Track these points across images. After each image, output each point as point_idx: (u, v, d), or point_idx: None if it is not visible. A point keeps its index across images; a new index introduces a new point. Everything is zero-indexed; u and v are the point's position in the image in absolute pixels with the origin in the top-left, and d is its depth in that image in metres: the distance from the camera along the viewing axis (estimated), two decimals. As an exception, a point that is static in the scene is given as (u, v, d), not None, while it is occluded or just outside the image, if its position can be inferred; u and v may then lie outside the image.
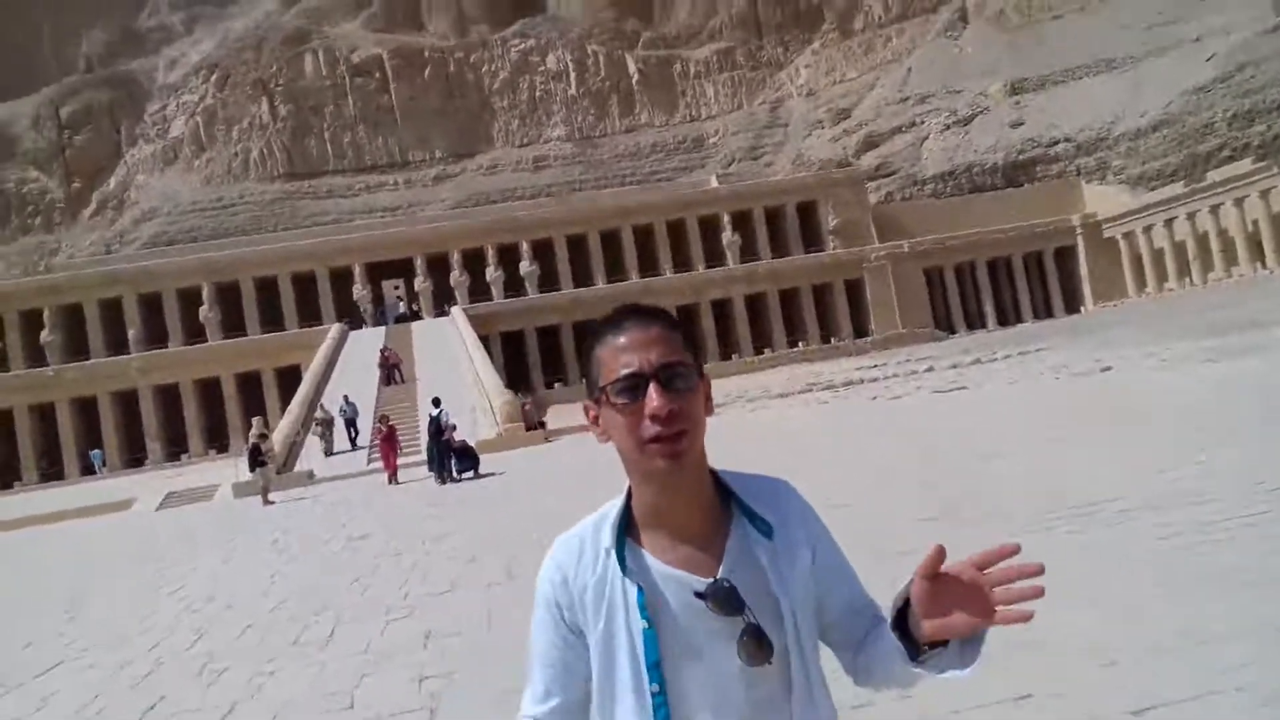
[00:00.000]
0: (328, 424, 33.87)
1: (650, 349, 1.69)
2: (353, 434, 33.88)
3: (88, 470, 52.43)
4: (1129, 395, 18.36)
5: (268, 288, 62.04)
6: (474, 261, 63.40)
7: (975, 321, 63.62)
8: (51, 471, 52.72)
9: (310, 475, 30.00)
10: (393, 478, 25.34)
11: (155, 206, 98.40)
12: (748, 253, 65.34)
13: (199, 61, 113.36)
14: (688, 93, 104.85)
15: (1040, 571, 1.55)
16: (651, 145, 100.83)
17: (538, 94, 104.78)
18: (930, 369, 35.60)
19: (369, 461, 30.71)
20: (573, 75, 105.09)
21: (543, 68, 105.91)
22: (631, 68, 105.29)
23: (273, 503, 24.62)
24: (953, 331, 61.39)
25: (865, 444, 17.25)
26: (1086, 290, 64.67)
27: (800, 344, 59.90)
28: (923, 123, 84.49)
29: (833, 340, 60.34)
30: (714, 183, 77.74)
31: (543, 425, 33.89)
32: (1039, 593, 1.58)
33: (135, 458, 53.60)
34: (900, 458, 14.50)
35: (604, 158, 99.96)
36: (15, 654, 9.81)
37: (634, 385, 1.67)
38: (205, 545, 18.00)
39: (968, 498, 10.08)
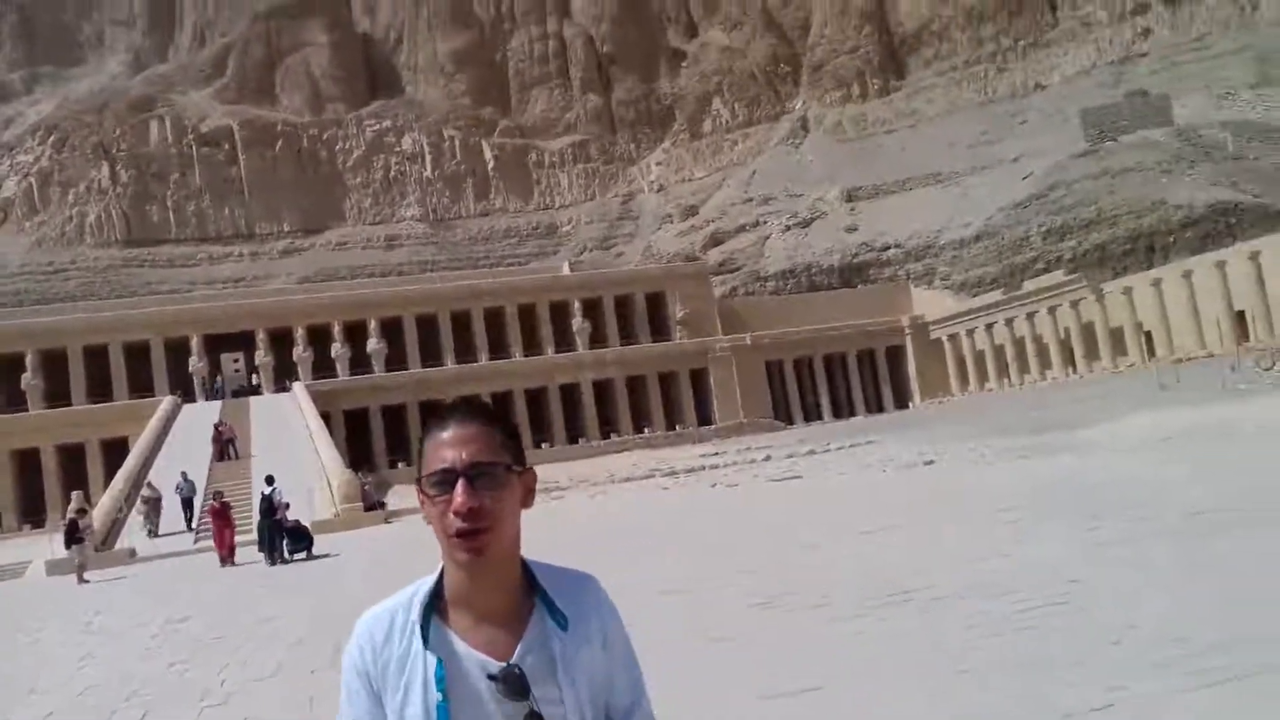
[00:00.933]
0: (155, 503, 31.79)
1: (465, 446, 1.79)
2: (188, 515, 31.80)
3: (-121, 544, 48.38)
4: (948, 488, 19.51)
5: (97, 356, 59.27)
6: (320, 337, 62.22)
7: (812, 413, 66.04)
8: None
9: (132, 554, 28.62)
10: (226, 558, 23.94)
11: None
12: (597, 339, 66.31)
13: (36, 121, 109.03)
14: (542, 181, 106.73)
15: None
16: (505, 230, 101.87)
17: (392, 174, 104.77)
18: (768, 458, 36.79)
19: (196, 540, 29.56)
20: (428, 157, 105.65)
21: (398, 148, 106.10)
22: (487, 154, 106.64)
23: (88, 581, 23.38)
24: (791, 422, 63.52)
25: (700, 532, 17.80)
26: (914, 387, 68.13)
27: (646, 430, 60.83)
28: (765, 222, 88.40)
29: (678, 427, 61.52)
30: (566, 269, 78.87)
31: (383, 505, 33.35)
32: None
33: (-65, 530, 49.87)
34: (732, 545, 15.06)
35: (457, 239, 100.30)
36: None
37: (446, 480, 1.77)
38: (11, 624, 17.06)
39: (794, 585, 10.56)
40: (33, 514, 50.78)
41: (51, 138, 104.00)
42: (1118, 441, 23.30)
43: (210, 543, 28.64)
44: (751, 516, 19.21)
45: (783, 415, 64.38)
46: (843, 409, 66.62)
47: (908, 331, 68.80)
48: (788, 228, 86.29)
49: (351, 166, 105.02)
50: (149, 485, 33.11)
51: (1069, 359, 60.36)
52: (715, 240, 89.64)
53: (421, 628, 1.81)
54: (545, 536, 20.40)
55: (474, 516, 1.75)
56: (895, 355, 69.24)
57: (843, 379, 68.01)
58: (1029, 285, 63.87)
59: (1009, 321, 63.17)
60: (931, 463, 25.62)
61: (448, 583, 1.86)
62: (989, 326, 64.54)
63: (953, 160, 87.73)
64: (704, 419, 62.88)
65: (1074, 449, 23.12)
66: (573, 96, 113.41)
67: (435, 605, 1.85)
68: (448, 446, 1.81)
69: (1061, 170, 75.38)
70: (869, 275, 79.68)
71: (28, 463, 51.95)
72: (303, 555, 23.06)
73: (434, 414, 1.89)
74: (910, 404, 66.71)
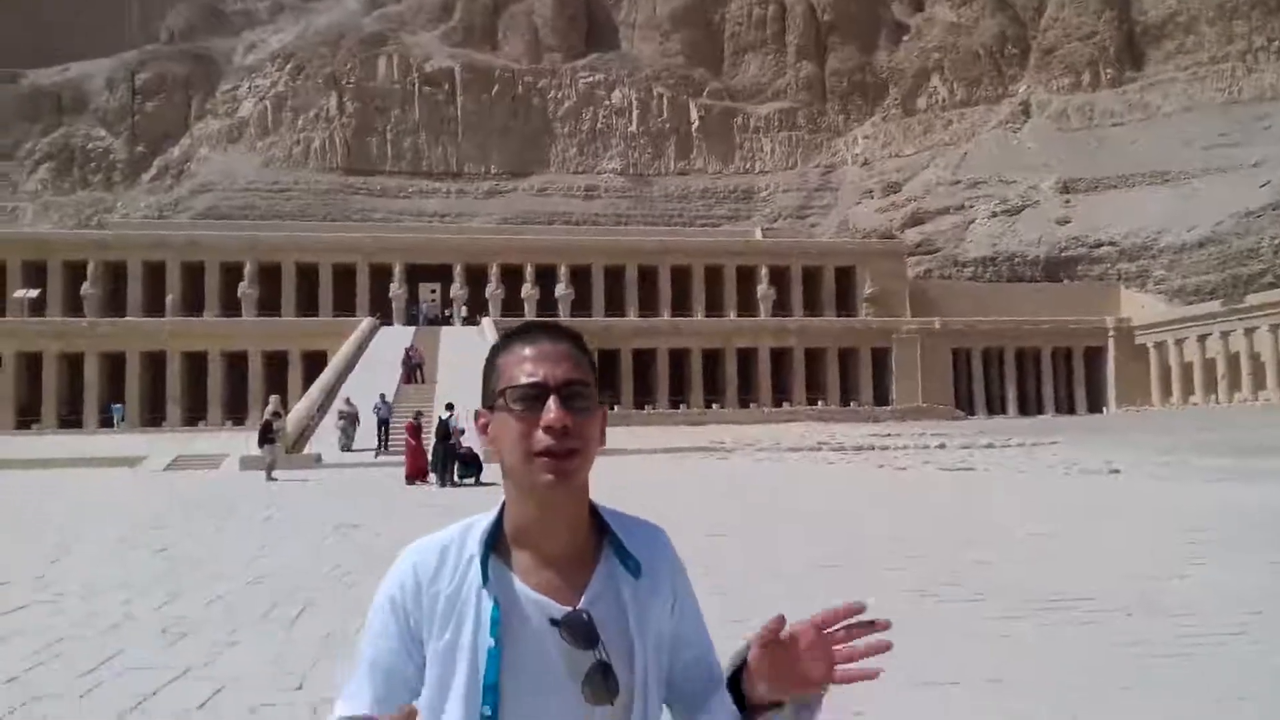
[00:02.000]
0: (351, 418, 32.51)
1: (558, 364, 1.66)
2: (382, 434, 32.16)
3: (106, 423, 53.27)
4: (1132, 501, 18.43)
5: (308, 274, 63.04)
6: (512, 277, 64.16)
7: (996, 406, 63.59)
8: (71, 419, 53.60)
9: (318, 458, 30.49)
10: (413, 476, 24.45)
11: (213, 180, 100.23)
12: (780, 308, 65.73)
13: (277, 49, 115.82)
14: (744, 145, 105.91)
15: (886, 627, 1.56)
16: (702, 190, 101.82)
17: (599, 126, 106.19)
18: (942, 445, 35.68)
19: (376, 455, 31.11)
20: (635, 113, 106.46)
21: (607, 101, 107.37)
22: (693, 114, 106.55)
23: (275, 480, 25.06)
24: (973, 413, 61.38)
25: (860, 510, 17.45)
26: (1111, 392, 64.52)
27: (820, 403, 60.03)
28: (971, 206, 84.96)
29: (853, 404, 60.46)
30: (758, 235, 78.37)
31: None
32: (884, 647, 1.58)
33: (154, 418, 54.42)
34: (890, 528, 14.70)
35: (654, 196, 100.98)
36: (-9, 591, 10.15)
37: (534, 395, 1.63)
38: (201, 511, 18.44)
39: (953, 577, 10.22)
40: (236, 412, 54.68)
41: (289, 65, 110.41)
42: (1333, 476, 21.37)
43: (389, 458, 30.19)
44: (916, 502, 18.66)
45: (964, 405, 62.25)
46: (1030, 406, 63.85)
47: (1111, 334, 65.08)
48: (994, 214, 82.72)
49: (561, 116, 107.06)
50: (347, 402, 33.79)
51: (1288, 381, 55.82)
52: (915, 220, 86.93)
53: (481, 563, 1.65)
54: (700, 493, 20.53)
55: (566, 435, 1.61)
56: (1094, 357, 65.68)
57: (1034, 375, 65.09)
58: (1252, 299, 59.12)
59: (1225, 335, 58.81)
60: (1118, 472, 24.21)
61: (512, 518, 1.71)
62: (1202, 338, 60.27)
63: (1184, 160, 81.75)
64: (881, 399, 61.55)
65: (1277, 476, 21.35)
66: (786, 63, 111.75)
67: (494, 544, 1.70)
68: (535, 361, 1.67)
69: (1306, 180, 69.28)
70: (1076, 271, 75.49)
71: (236, 365, 55.94)
72: (471, 480, 23.99)
73: (514, 330, 1.76)
74: (1105, 409, 63.29)
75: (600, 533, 1.74)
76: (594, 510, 1.75)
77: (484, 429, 1.72)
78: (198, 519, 17.05)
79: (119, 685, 6.55)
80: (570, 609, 1.62)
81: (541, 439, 1.61)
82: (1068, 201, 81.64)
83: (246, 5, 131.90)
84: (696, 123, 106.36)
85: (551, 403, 1.61)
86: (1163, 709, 5.89)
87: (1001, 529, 14.42)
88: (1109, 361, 65.04)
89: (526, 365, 1.66)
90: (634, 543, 1.73)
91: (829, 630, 1.58)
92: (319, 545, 13.47)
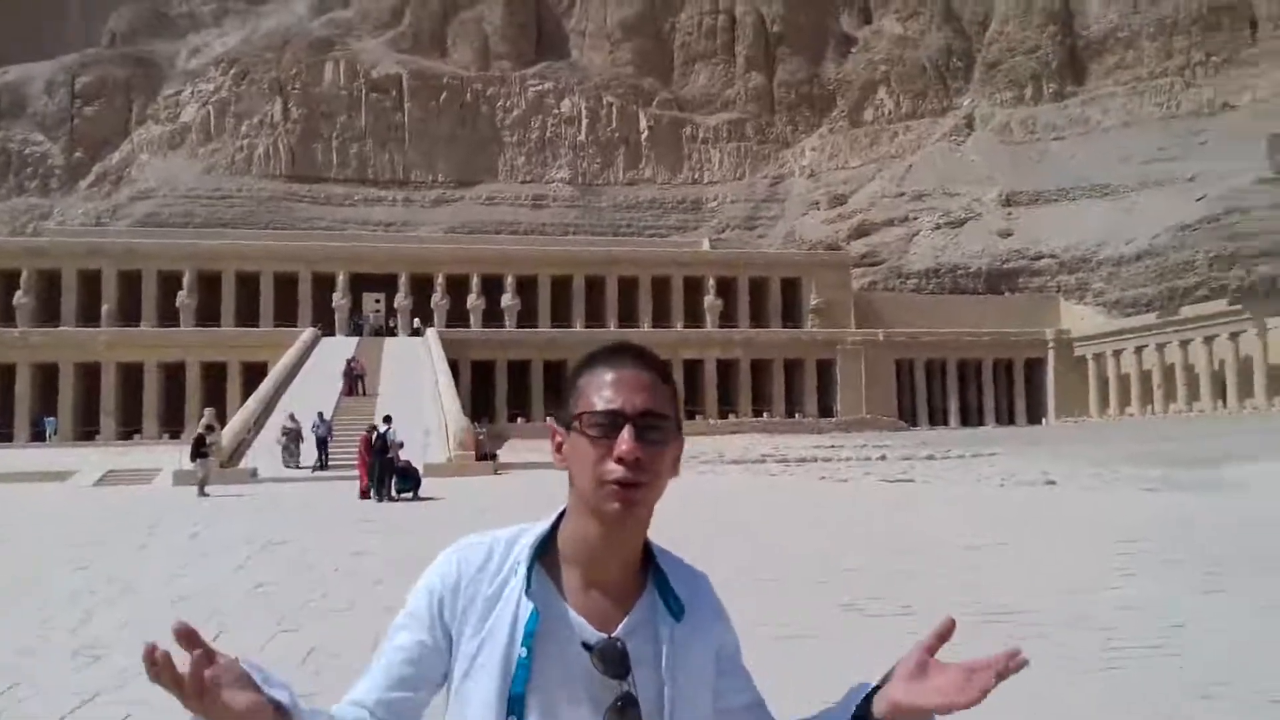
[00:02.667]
0: (294, 434, 31.68)
1: (637, 393, 1.64)
2: (322, 454, 31.28)
3: (38, 436, 52.04)
4: (1066, 512, 18.66)
5: (249, 283, 62.13)
6: (458, 287, 63.76)
7: (938, 417, 64.35)
8: (2, 432, 52.25)
9: (253, 473, 29.97)
10: (366, 491, 23.90)
11: (153, 187, 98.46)
12: (727, 319, 66.00)
13: (221, 53, 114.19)
14: (693, 155, 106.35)
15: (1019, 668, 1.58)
16: (650, 200, 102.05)
17: (548, 134, 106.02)
18: (884, 457, 36.00)
19: (314, 470, 30.65)
20: (584, 122, 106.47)
21: (556, 110, 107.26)
22: (643, 123, 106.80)
23: (208, 495, 24.55)
24: (915, 423, 62.04)
25: (798, 523, 17.47)
26: (1050, 403, 65.61)
27: (765, 414, 60.33)
28: (915, 219, 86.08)
29: (797, 415, 60.81)
30: (706, 245, 78.68)
31: (493, 457, 34.00)
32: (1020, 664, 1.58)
33: (88, 431, 53.24)
34: (827, 542, 14.71)
35: (602, 206, 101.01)
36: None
37: (611, 423, 1.61)
38: (127, 527, 17.98)
39: (884, 590, 10.25)
40: (173, 424, 53.66)
41: (233, 70, 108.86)
42: (1263, 485, 21.83)
43: (326, 474, 29.78)
44: (853, 515, 18.74)
45: (907, 416, 62.91)
46: (971, 417, 64.71)
47: (1051, 345, 66.20)
48: (938, 226, 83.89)
49: (509, 124, 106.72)
50: (291, 418, 32.87)
51: (1220, 393, 57.12)
52: (861, 231, 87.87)
53: (527, 571, 1.65)
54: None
55: (637, 467, 1.59)
56: (1034, 368, 66.76)
57: (975, 387, 66.00)
58: (1187, 311, 60.55)
59: (1160, 347, 60.12)
60: (1053, 483, 24.56)
61: (568, 535, 1.70)
62: (1139, 349, 61.56)
63: (1123, 174, 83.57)
64: (825, 411, 61.99)
65: (1212, 487, 21.78)
66: (735, 73, 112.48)
67: (543, 552, 1.70)
68: (617, 388, 1.63)
69: (1239, 196, 70.96)
70: (1017, 284, 76.81)
71: (174, 376, 54.91)
72: (409, 495, 23.67)
73: (601, 352, 1.72)
74: (1044, 420, 64.32)
75: (648, 566, 1.73)
76: (645, 543, 1.73)
77: (559, 448, 1.70)
78: (123, 536, 16.62)
79: (24, 711, 6.36)
80: (606, 636, 1.62)
81: (613, 468, 1.59)
82: (1010, 214, 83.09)
83: (190, 8, 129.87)
84: (646, 132, 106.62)
85: (626, 433, 1.60)
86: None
87: (935, 541, 14.51)
88: (1048, 373, 66.14)
89: (606, 391, 1.64)
90: (679, 583, 1.72)
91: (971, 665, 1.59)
92: (243, 563, 13.17)
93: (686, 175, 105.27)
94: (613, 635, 1.62)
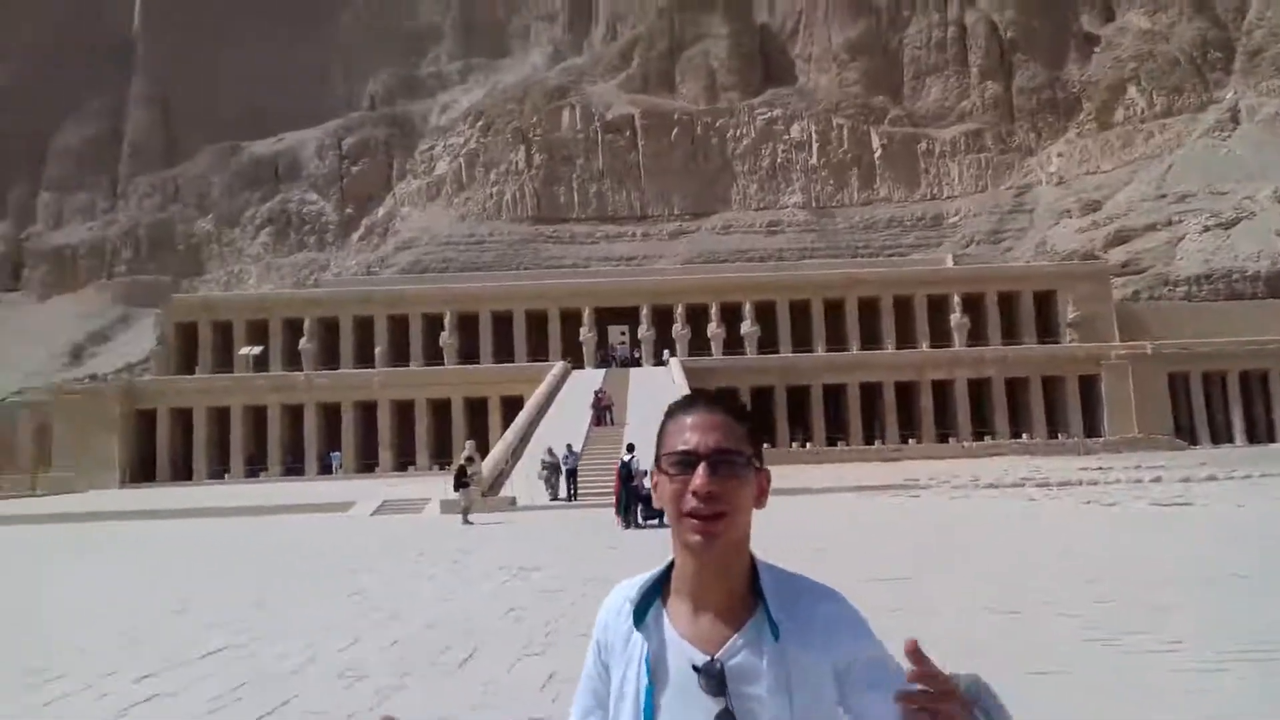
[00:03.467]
0: (554, 468, 32.02)
1: (710, 433, 1.84)
2: (571, 485, 31.58)
3: (325, 469, 56.75)
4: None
5: (503, 321, 65.43)
6: (698, 316, 64.55)
7: (1222, 434, 58.91)
8: (294, 467, 57.34)
9: (512, 502, 31.40)
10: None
11: (414, 237, 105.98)
12: (976, 337, 63.34)
13: (468, 108, 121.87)
14: (930, 170, 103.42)
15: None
16: (888, 219, 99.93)
17: (778, 161, 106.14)
18: (1158, 479, 33.37)
19: (565, 499, 31.68)
20: (815, 145, 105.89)
21: (786, 136, 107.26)
22: (875, 143, 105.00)
23: (471, 523, 25.94)
24: (1195, 442, 57.10)
25: (1056, 549, 16.52)
26: (1354, 416, 58.75)
27: (1025, 435, 57.26)
28: (1180, 222, 79.79)
29: (1060, 436, 57.38)
30: (949, 262, 76.04)
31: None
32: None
33: (368, 464, 57.53)
34: (1086, 569, 13.84)
35: (838, 228, 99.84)
36: (196, 633, 10.94)
37: (687, 461, 1.83)
38: (396, 555, 19.33)
39: (1146, 623, 9.58)
40: (442, 456, 57.11)
41: (479, 123, 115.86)
42: None
43: (576, 501, 30.80)
44: (1119, 540, 17.53)
45: (1185, 434, 57.96)
46: (1260, 433, 58.87)
47: (1349, 352, 59.40)
48: (1207, 228, 77.31)
49: (740, 153, 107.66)
50: (549, 452, 33.08)
51: None
52: (1119, 239, 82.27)
53: (636, 610, 1.88)
54: (879, 533, 19.89)
55: (711, 500, 1.79)
56: (1332, 377, 60.05)
57: (1262, 399, 60.02)
58: None
59: None
60: (1356, 504, 22.04)
61: (676, 568, 1.91)
62: None
63: None
64: (1092, 431, 58.12)
65: None
66: (969, 84, 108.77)
67: (660, 590, 1.92)
68: (691, 430, 1.86)
69: None
70: (1303, 285, 69.66)
71: (440, 411, 58.50)
72: (655, 522, 24.09)
73: (679, 401, 1.96)
74: (1347, 434, 57.71)
75: (758, 591, 1.87)
76: (755, 568, 1.90)
77: (655, 486, 1.92)
78: (392, 563, 17.87)
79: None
80: (709, 657, 1.79)
81: (689, 501, 1.81)
82: (1289, 210, 75.61)
83: (439, 68, 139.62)
84: (879, 151, 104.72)
85: (700, 469, 1.81)
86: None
87: (1210, 569, 13.36)
88: (1348, 381, 59.35)
89: (684, 434, 1.87)
90: (786, 607, 1.84)
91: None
92: (499, 588, 13.87)
93: (924, 191, 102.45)
94: (714, 657, 1.79)
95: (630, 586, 1.97)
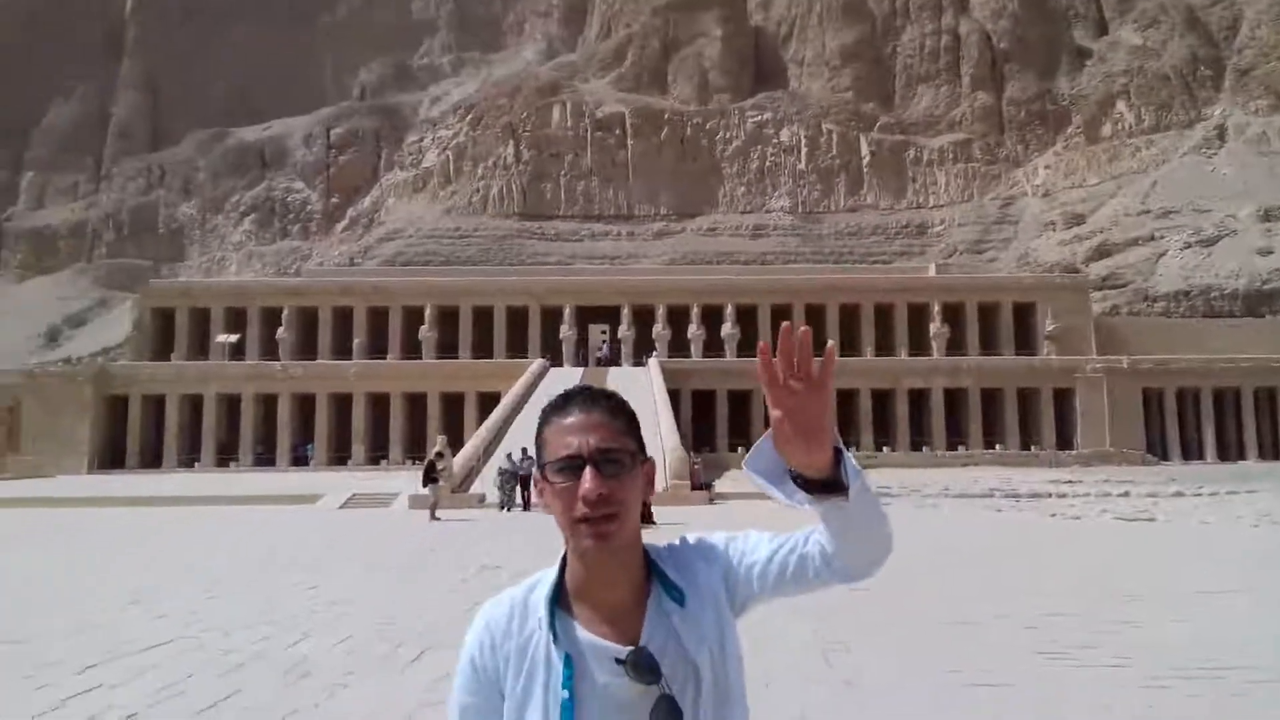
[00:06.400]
0: (513, 476, 29.20)
1: (591, 433, 1.82)
2: (525, 494, 28.56)
3: (298, 461, 56.39)
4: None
5: (484, 316, 65.21)
6: (679, 317, 64.57)
7: (1193, 451, 59.35)
8: (266, 457, 56.95)
9: (481, 499, 31.30)
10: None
11: (399, 229, 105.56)
12: (954, 346, 63.59)
13: (459, 101, 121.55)
14: (918, 179, 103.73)
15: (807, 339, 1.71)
16: (874, 226, 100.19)
17: (767, 164, 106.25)
18: (1126, 494, 33.63)
19: (507, 509, 29.41)
20: (804, 150, 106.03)
21: (775, 140, 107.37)
22: (864, 149, 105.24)
23: (439, 519, 25.85)
24: (1166, 458, 57.51)
25: (1013, 561, 16.58)
26: (1323, 436, 59.28)
27: (998, 446, 57.55)
28: (1162, 237, 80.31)
29: (1033, 448, 57.68)
30: (932, 271, 76.29)
31: (709, 487, 34.12)
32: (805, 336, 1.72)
33: (341, 456, 57.19)
34: (1044, 584, 13.88)
35: (824, 233, 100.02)
36: (146, 624, 10.83)
37: (571, 466, 1.80)
38: (359, 549, 19.22)
39: (1096, 639, 9.62)
40: (416, 451, 56.83)
41: (469, 116, 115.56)
42: None
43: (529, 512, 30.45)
44: (1079, 555, 17.59)
45: (1157, 450, 58.38)
46: (1230, 451, 59.32)
47: (1322, 372, 59.90)
48: (1188, 245, 77.86)
49: (729, 156, 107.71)
50: (509, 458, 30.42)
51: None
52: (1101, 253, 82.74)
53: (548, 624, 1.83)
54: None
55: (602, 503, 1.77)
56: (1303, 398, 60.56)
57: (1234, 418, 60.46)
58: None
59: None
60: (1318, 525, 22.24)
61: (570, 574, 1.87)
62: None
63: (1405, 181, 75.22)
64: (1065, 444, 58.44)
65: None
66: (960, 94, 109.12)
67: (558, 598, 1.87)
68: (572, 433, 1.83)
69: None
70: (1278, 306, 70.13)
71: (416, 405, 58.24)
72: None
73: (553, 401, 1.93)
74: (1317, 455, 58.23)
75: (650, 571, 1.90)
76: (645, 553, 1.92)
77: (541, 494, 1.88)
78: (353, 558, 17.77)
79: (228, 722, 6.88)
80: (631, 648, 1.78)
81: (580, 507, 1.78)
82: (1269, 230, 76.02)
83: (431, 60, 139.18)
84: (867, 158, 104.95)
85: (587, 473, 1.78)
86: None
87: (1168, 585, 13.42)
88: (1320, 402, 59.86)
89: (565, 437, 1.83)
90: (676, 570, 1.89)
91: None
92: (458, 585, 13.80)
93: (910, 200, 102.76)
94: (638, 645, 1.78)
95: (516, 600, 1.91)
